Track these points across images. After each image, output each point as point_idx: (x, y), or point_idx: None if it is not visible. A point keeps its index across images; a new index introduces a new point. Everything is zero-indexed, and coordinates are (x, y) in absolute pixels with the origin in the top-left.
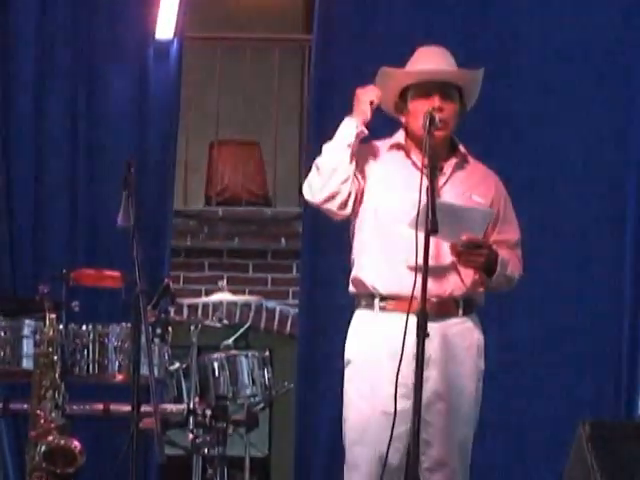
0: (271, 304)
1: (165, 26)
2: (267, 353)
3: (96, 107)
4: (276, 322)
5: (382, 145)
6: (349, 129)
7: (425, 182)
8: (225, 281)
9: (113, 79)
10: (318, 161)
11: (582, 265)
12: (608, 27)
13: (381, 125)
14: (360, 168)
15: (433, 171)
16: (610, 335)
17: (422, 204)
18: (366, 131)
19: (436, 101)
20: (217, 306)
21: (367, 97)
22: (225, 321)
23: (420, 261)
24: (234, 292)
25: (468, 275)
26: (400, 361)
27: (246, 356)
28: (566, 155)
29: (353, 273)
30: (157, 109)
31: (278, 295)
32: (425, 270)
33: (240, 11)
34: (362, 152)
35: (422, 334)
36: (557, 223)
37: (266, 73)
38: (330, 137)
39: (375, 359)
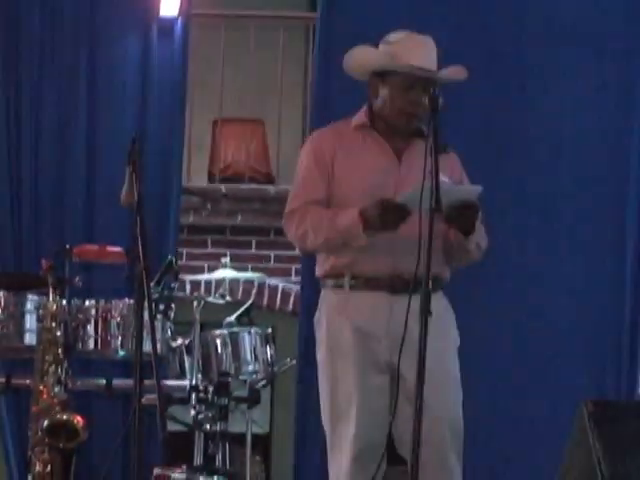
0: (274, 281)
1: (169, 2)
2: (269, 330)
3: (99, 84)
4: (279, 299)
5: (344, 126)
6: (355, 236)
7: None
8: (228, 258)
9: (116, 56)
10: (308, 234)
11: (580, 256)
12: (603, 16)
13: None
14: (330, 155)
15: (437, 152)
16: (610, 324)
17: (425, 184)
18: (365, 240)
19: (418, 95)
20: (220, 283)
21: (387, 223)
22: (228, 298)
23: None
24: (237, 269)
25: (435, 255)
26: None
27: (249, 333)
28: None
29: (322, 258)
30: (162, 87)
31: (281, 272)
32: (429, 249)
33: None
34: (329, 140)
35: (425, 313)
36: (555, 211)
37: (270, 51)
38: (332, 116)
39: (344, 340)
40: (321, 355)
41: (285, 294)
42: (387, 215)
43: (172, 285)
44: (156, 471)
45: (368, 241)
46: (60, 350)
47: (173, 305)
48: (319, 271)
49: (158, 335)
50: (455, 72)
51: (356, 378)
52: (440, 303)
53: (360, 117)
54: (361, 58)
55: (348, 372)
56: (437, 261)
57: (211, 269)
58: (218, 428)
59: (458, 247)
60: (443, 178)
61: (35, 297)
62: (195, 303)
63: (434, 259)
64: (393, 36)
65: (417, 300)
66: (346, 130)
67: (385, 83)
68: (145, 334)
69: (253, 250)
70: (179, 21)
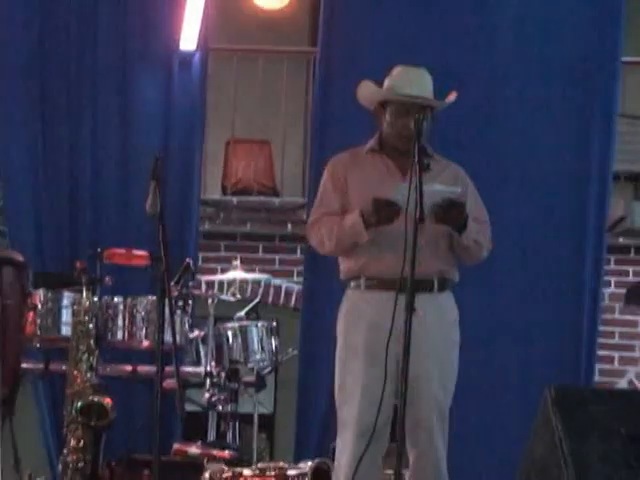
0: (278, 281)
1: (188, 39)
2: (274, 324)
3: (128, 108)
4: (282, 297)
5: (360, 151)
6: (353, 228)
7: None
8: (238, 261)
9: (143, 84)
10: (323, 239)
11: (544, 240)
12: (572, 47)
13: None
14: (344, 174)
15: (420, 168)
16: (571, 309)
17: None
18: (366, 237)
19: (411, 120)
20: (231, 282)
21: (381, 219)
22: (238, 295)
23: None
24: (246, 270)
25: (441, 258)
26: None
27: (256, 326)
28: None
29: (344, 262)
30: (182, 112)
31: (284, 274)
32: (413, 251)
33: (254, 25)
34: (344, 160)
35: (410, 310)
36: (520, 196)
37: (276, 80)
38: (330, 138)
39: (361, 331)
40: (339, 345)
41: (288, 292)
42: (380, 211)
43: (189, 284)
44: (175, 446)
45: (370, 236)
46: (92, 341)
47: (190, 301)
48: (341, 275)
49: (177, 328)
50: (446, 97)
51: (365, 367)
52: (447, 302)
53: (371, 143)
54: (366, 92)
55: (359, 361)
56: (444, 262)
57: (223, 270)
58: (229, 409)
59: (457, 245)
60: (436, 186)
61: (70, 294)
62: (209, 300)
63: (441, 260)
64: (394, 70)
65: (423, 298)
66: (360, 154)
67: (386, 111)
68: (166, 327)
69: (260, 254)
70: (197, 55)
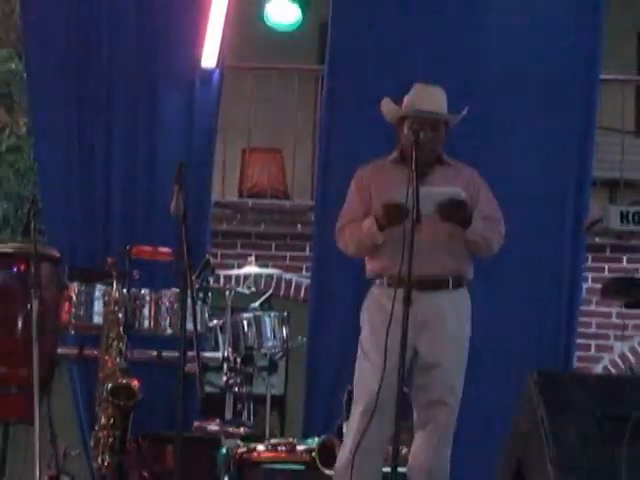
0: (289, 276)
1: (209, 57)
2: (285, 314)
3: (154, 118)
4: (292, 290)
5: (384, 161)
6: (369, 230)
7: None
8: (253, 257)
9: (167, 97)
10: (347, 242)
11: (529, 238)
12: (555, 65)
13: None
14: (368, 187)
15: (417, 175)
16: (552, 302)
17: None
18: (381, 238)
19: (427, 133)
20: (247, 277)
21: (392, 220)
22: (253, 288)
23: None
24: (260, 266)
25: (455, 257)
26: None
27: (269, 316)
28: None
29: (369, 263)
30: (201, 124)
31: (294, 269)
32: (410, 251)
33: (268, 45)
34: (369, 170)
35: (407, 302)
36: (507, 199)
37: (287, 95)
38: (336, 148)
39: (378, 324)
40: (363, 335)
41: (297, 286)
42: (389, 213)
43: (209, 278)
44: (195, 424)
45: (384, 237)
46: (121, 328)
47: (210, 294)
48: (367, 274)
49: (198, 317)
50: (453, 116)
51: (374, 353)
52: (462, 298)
53: (393, 154)
54: (385, 109)
55: (377, 348)
56: (459, 262)
57: (239, 266)
58: (244, 390)
59: (465, 240)
60: (436, 189)
61: (102, 287)
62: (227, 292)
63: (456, 260)
64: (413, 87)
65: (440, 295)
66: (383, 165)
67: (404, 125)
68: (188, 316)
69: (273, 251)
70: (216, 72)
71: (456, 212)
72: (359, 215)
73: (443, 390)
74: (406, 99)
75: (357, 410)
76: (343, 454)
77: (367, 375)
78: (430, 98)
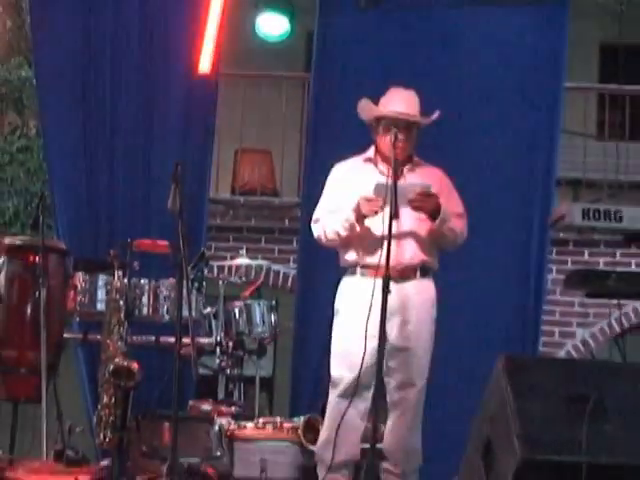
0: (277, 267)
1: (204, 64)
2: (274, 302)
3: (153, 121)
4: (280, 280)
5: (358, 159)
6: (348, 221)
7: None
8: (244, 250)
9: (165, 101)
10: (325, 232)
11: (498, 233)
12: (520, 72)
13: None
14: (343, 181)
15: (395, 173)
16: (520, 292)
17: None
18: (358, 228)
19: (400, 133)
20: (238, 268)
21: (365, 210)
22: (244, 278)
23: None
24: (250, 258)
25: (421, 248)
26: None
27: (258, 304)
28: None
29: (343, 254)
30: (196, 126)
31: (282, 261)
32: (388, 244)
33: (258, 53)
34: (345, 167)
35: (385, 292)
36: (479, 197)
37: (276, 100)
38: (321, 149)
39: (353, 310)
40: (337, 321)
41: (285, 276)
42: (365, 204)
43: (203, 269)
44: (190, 403)
45: (362, 227)
46: (122, 315)
47: (204, 283)
48: (341, 263)
49: (193, 305)
50: (426, 118)
51: (352, 339)
52: (428, 286)
53: (368, 152)
54: (362, 109)
55: (349, 334)
56: (426, 253)
57: (232, 258)
58: (235, 372)
59: (433, 231)
60: (410, 183)
61: (105, 277)
62: (220, 282)
63: (423, 252)
64: (388, 91)
65: (409, 283)
66: (358, 162)
67: (380, 126)
68: (184, 304)
69: (262, 244)
70: (211, 79)
71: (426, 203)
72: (335, 208)
73: (411, 372)
74: (382, 101)
75: (336, 392)
76: (324, 433)
77: (346, 360)
78: (404, 101)
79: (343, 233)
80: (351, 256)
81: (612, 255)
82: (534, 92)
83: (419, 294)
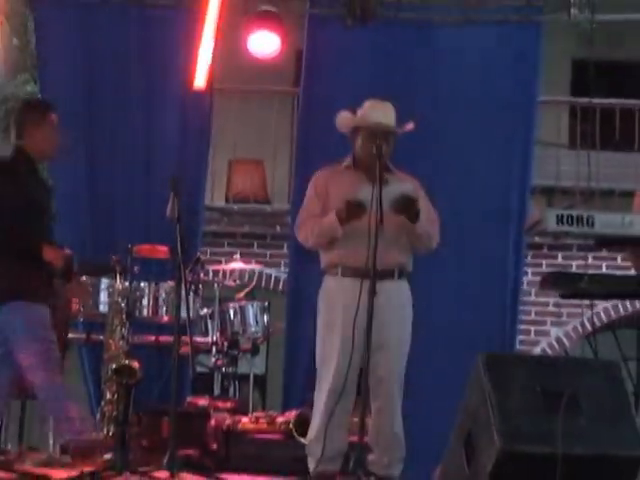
0: (269, 271)
1: (199, 80)
2: (266, 303)
3: (151, 133)
4: (272, 283)
5: (338, 167)
6: (331, 224)
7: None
8: (238, 254)
9: (163, 115)
10: (309, 235)
11: (477, 238)
12: (497, 87)
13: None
14: (325, 188)
15: (380, 182)
16: (498, 292)
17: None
18: (340, 231)
19: (378, 142)
20: (233, 271)
21: (349, 213)
22: (238, 281)
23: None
24: (244, 262)
25: (400, 250)
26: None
27: (252, 305)
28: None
29: (324, 255)
30: (192, 138)
31: (274, 265)
32: (375, 247)
33: (250, 69)
34: (326, 174)
35: (372, 293)
36: (459, 203)
37: (268, 113)
38: (310, 159)
39: (335, 310)
40: (319, 322)
41: (277, 279)
42: (349, 209)
43: (200, 272)
44: (188, 399)
45: (343, 231)
46: (124, 316)
47: (200, 286)
48: (322, 264)
49: (190, 306)
50: (405, 126)
51: (339, 338)
52: (404, 287)
53: (347, 161)
54: (342, 120)
55: (334, 333)
56: (403, 256)
57: (227, 262)
58: (230, 370)
59: (411, 233)
60: (395, 187)
61: (107, 280)
62: (215, 285)
63: (401, 254)
64: (365, 102)
65: (386, 284)
66: (338, 170)
67: (358, 136)
68: (182, 305)
69: (255, 249)
70: (206, 94)
71: (409, 207)
72: (317, 212)
73: (391, 369)
74: (359, 112)
75: (324, 389)
76: (314, 428)
77: (333, 359)
78: (381, 112)
79: (327, 235)
80: (333, 257)
81: (584, 258)
82: (510, 105)
83: (398, 295)
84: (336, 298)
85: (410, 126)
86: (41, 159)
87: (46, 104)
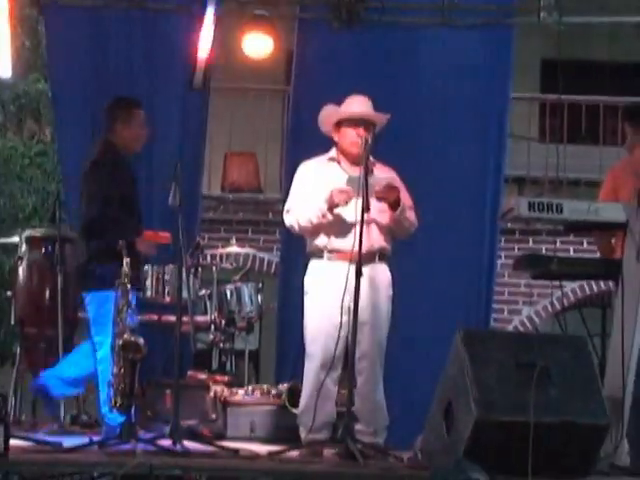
0: (262, 255)
1: (198, 78)
2: (260, 285)
3: (155, 126)
4: (265, 266)
5: (322, 159)
6: (320, 210)
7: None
8: (234, 240)
9: (165, 110)
10: (298, 220)
11: (455, 224)
12: (472, 84)
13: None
14: (311, 177)
15: (366, 171)
16: (474, 274)
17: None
18: (330, 216)
19: (361, 131)
20: (229, 255)
21: (338, 200)
22: (234, 264)
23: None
24: (239, 247)
25: (381, 234)
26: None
27: (247, 286)
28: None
29: (311, 240)
30: (192, 133)
31: (267, 249)
32: (360, 232)
33: (245, 68)
34: (312, 165)
35: (358, 275)
36: (438, 193)
37: (260, 109)
38: (299, 151)
39: (323, 290)
40: (307, 302)
41: (269, 263)
42: (337, 195)
43: (199, 256)
44: (189, 373)
45: (333, 217)
46: (129, 295)
47: (200, 269)
48: (308, 248)
49: (190, 288)
50: (381, 115)
51: (325, 316)
52: (384, 269)
53: (331, 153)
54: (327, 112)
55: (322, 312)
56: (385, 239)
57: (223, 247)
58: (227, 346)
59: (393, 220)
60: (379, 177)
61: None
62: (213, 268)
63: (382, 237)
64: (347, 98)
65: (368, 268)
66: (322, 160)
67: (340, 128)
68: (183, 287)
69: (249, 235)
70: (203, 92)
71: (390, 195)
72: (305, 199)
73: (374, 343)
74: (342, 107)
75: (313, 364)
76: (304, 400)
77: (320, 335)
78: (362, 104)
79: (315, 221)
80: (320, 241)
81: (553, 243)
82: (484, 101)
83: (378, 276)
84: (323, 280)
85: (387, 116)
86: (129, 153)
87: (134, 101)
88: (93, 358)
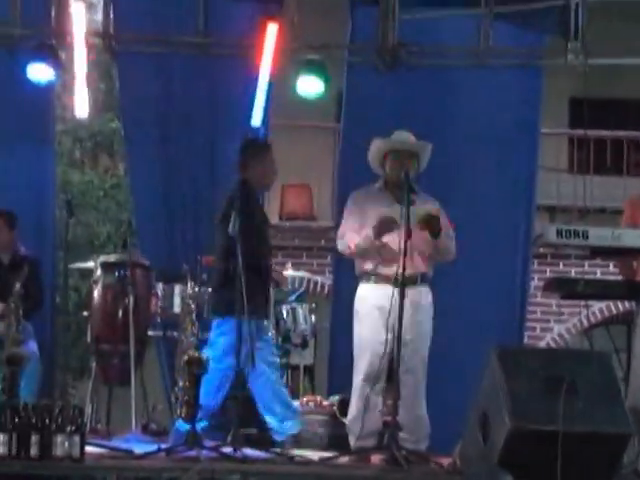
0: (316, 278)
1: (257, 117)
2: (313, 305)
3: (216, 167)
4: (319, 288)
5: (372, 188)
6: (369, 237)
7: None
8: (290, 264)
9: (227, 147)
10: (349, 245)
11: (491, 250)
12: (505, 120)
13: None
14: (361, 203)
15: (408, 200)
16: (509, 295)
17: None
18: (377, 242)
19: (404, 161)
20: (286, 278)
21: (383, 228)
22: (290, 287)
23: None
24: (295, 270)
25: (423, 261)
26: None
27: (302, 307)
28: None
29: (359, 264)
30: None
31: (320, 272)
32: (404, 258)
33: (299, 107)
34: (362, 193)
35: (402, 296)
36: (476, 222)
37: (314, 145)
38: (350, 184)
39: (370, 311)
40: (356, 321)
41: (322, 285)
42: (383, 224)
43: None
44: (248, 385)
45: (381, 243)
46: (194, 316)
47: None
48: (357, 272)
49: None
50: (422, 144)
51: (372, 335)
52: (426, 291)
53: (379, 182)
54: (374, 146)
55: (368, 331)
56: (427, 264)
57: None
58: (284, 361)
59: (434, 248)
60: (422, 207)
61: (180, 286)
62: (271, 289)
63: (424, 262)
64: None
65: (412, 291)
66: (372, 190)
67: (387, 160)
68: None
69: (304, 259)
70: (262, 128)
71: (433, 225)
72: (355, 226)
73: (417, 359)
74: (388, 140)
75: (359, 377)
76: (353, 410)
77: (367, 352)
78: (405, 137)
79: (364, 246)
80: (368, 266)
81: (581, 266)
82: (517, 137)
83: (422, 298)
84: (370, 301)
85: (429, 145)
86: (261, 190)
87: (266, 143)
88: None
